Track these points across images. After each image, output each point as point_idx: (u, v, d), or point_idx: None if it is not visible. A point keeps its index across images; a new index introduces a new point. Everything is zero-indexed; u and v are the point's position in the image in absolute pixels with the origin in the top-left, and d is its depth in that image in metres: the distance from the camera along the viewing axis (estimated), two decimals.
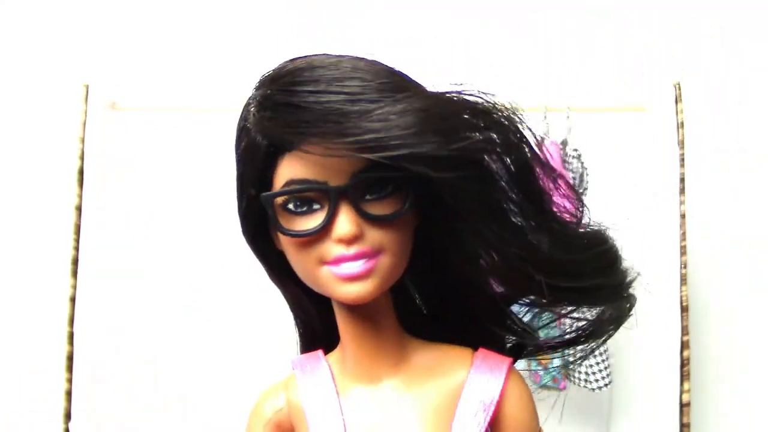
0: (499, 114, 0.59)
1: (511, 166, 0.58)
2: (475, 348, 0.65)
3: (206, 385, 1.71)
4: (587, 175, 1.57)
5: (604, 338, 0.69)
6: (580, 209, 0.64)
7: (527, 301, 0.68)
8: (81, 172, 1.59)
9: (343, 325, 0.64)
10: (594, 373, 1.57)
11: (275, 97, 0.59)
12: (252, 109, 0.62)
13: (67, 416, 1.54)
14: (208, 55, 1.79)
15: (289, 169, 0.57)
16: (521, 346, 0.70)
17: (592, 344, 0.70)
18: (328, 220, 0.56)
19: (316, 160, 0.55)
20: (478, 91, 0.59)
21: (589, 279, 0.64)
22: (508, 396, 0.62)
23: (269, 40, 1.78)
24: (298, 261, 0.60)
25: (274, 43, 1.77)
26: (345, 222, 0.55)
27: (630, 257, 0.67)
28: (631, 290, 0.66)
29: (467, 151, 0.54)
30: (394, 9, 1.79)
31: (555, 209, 0.63)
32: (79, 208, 1.58)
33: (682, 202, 1.53)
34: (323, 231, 0.56)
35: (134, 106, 1.67)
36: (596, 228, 0.66)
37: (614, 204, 1.66)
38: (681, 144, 1.54)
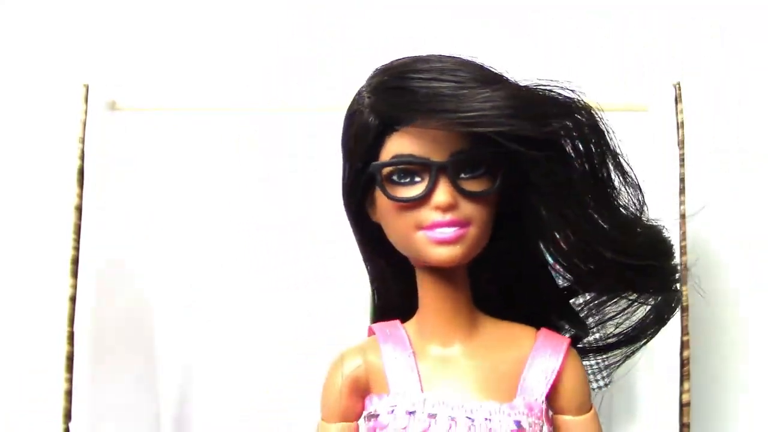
0: (579, 108, 0.70)
1: (589, 155, 0.68)
2: (537, 328, 0.75)
3: (206, 385, 1.71)
4: None
5: (645, 340, 0.81)
6: (642, 202, 0.75)
7: (589, 286, 0.79)
8: (81, 172, 1.59)
9: (424, 292, 0.74)
10: (594, 373, 1.57)
11: (388, 83, 0.73)
12: (365, 94, 0.73)
13: (67, 416, 1.54)
14: (208, 55, 1.79)
15: (396, 145, 0.66)
16: (575, 339, 0.82)
17: (633, 347, 0.82)
18: (429, 189, 0.65)
19: (420, 139, 0.63)
20: (564, 87, 0.71)
21: (648, 260, 0.75)
22: (566, 369, 0.71)
23: (269, 40, 1.78)
24: (397, 226, 0.73)
25: (274, 43, 1.78)
26: (443, 192, 0.64)
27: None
28: (677, 286, 0.78)
29: (554, 134, 0.63)
30: (394, 9, 1.79)
31: (621, 200, 0.73)
32: (79, 208, 1.58)
33: (682, 202, 1.53)
34: (423, 200, 0.65)
35: (134, 106, 1.67)
36: (655, 221, 0.76)
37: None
38: (681, 144, 1.54)
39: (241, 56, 1.76)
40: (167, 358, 1.72)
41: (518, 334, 0.74)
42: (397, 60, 0.72)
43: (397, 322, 0.78)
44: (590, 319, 0.81)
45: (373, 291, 0.84)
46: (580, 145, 0.68)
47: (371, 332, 0.77)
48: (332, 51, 1.76)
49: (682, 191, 1.56)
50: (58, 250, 1.68)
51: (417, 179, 0.65)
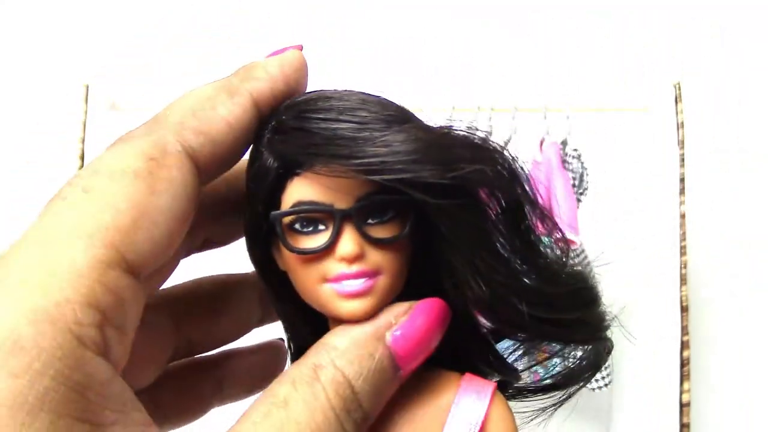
0: (492, 150, 0.65)
1: (502, 201, 0.65)
2: (461, 372, 0.71)
3: None
4: (587, 175, 1.57)
5: (582, 383, 0.74)
6: (566, 247, 0.69)
7: (511, 334, 0.73)
8: None
9: None
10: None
11: (288, 123, 0.64)
12: (266, 134, 0.66)
13: None
14: (208, 55, 1.79)
15: (298, 191, 0.62)
16: (503, 384, 0.75)
17: (571, 388, 0.75)
18: (333, 239, 0.61)
19: (323, 184, 0.60)
20: (472, 128, 0.65)
21: (570, 312, 0.69)
22: (492, 417, 0.67)
23: (269, 40, 1.78)
24: (301, 278, 0.65)
25: (274, 43, 1.77)
26: (348, 242, 0.57)
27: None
28: (606, 334, 0.71)
29: (463, 180, 0.60)
30: (394, 9, 1.79)
31: (542, 246, 0.69)
32: None
33: (682, 202, 1.53)
34: (327, 250, 0.61)
35: (134, 106, 1.67)
36: (580, 268, 0.71)
37: (614, 204, 1.66)
38: (681, 144, 1.54)
39: (242, 57, 1.76)
40: None
41: (441, 381, 0.70)
42: (302, 95, 0.69)
43: None
44: (520, 360, 0.76)
45: (287, 340, 0.77)
46: (493, 191, 0.65)
47: None
48: (332, 51, 1.76)
49: (682, 191, 1.57)
50: None
51: (321, 227, 0.58)
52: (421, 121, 0.64)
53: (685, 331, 1.51)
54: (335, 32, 1.77)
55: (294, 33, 1.79)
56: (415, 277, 0.66)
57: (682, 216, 1.53)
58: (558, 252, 0.66)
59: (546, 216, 0.64)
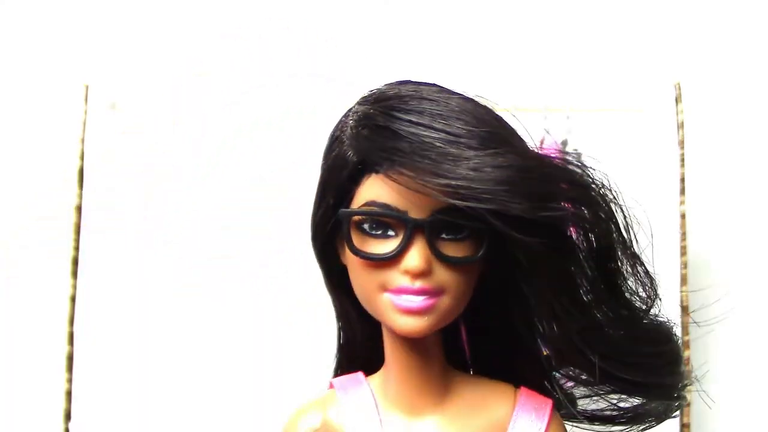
0: (596, 191, 0.57)
1: (594, 244, 0.58)
2: (516, 385, 0.65)
3: (206, 385, 1.71)
4: None
5: (643, 427, 0.68)
6: (652, 299, 0.62)
7: (573, 374, 0.67)
8: (81, 172, 1.59)
9: (392, 352, 0.64)
10: None
11: (376, 118, 0.57)
12: (350, 122, 0.60)
13: (67, 416, 1.54)
14: (208, 55, 1.78)
15: (373, 190, 0.57)
16: (558, 402, 0.69)
17: (631, 428, 0.69)
18: (400, 249, 0.56)
19: (400, 188, 0.55)
20: (582, 163, 0.60)
21: (645, 375, 0.63)
22: None
23: (269, 41, 1.77)
24: (361, 282, 0.60)
25: (274, 44, 1.77)
26: (416, 256, 0.55)
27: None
28: (683, 393, 0.65)
29: (555, 219, 0.54)
30: (394, 9, 1.78)
31: (627, 294, 0.62)
32: (79, 208, 1.58)
33: (682, 202, 1.53)
34: (393, 259, 0.56)
35: (134, 106, 1.67)
36: (664, 322, 0.64)
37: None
38: (681, 144, 1.54)
39: (241, 57, 1.76)
40: (167, 357, 1.72)
41: (496, 394, 0.64)
42: (393, 86, 0.62)
43: (360, 375, 0.67)
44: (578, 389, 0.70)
45: (338, 328, 0.71)
46: (587, 233, 0.58)
47: (332, 386, 0.68)
48: (333, 51, 1.76)
49: (682, 191, 1.56)
50: (58, 250, 1.68)
51: (390, 233, 0.56)
52: (520, 141, 0.59)
53: (685, 331, 1.51)
54: (335, 34, 1.77)
55: (294, 34, 1.78)
56: (478, 297, 0.63)
57: (682, 216, 1.53)
58: (643, 303, 0.60)
59: (638, 261, 0.58)
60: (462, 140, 0.53)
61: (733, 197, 1.73)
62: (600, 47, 1.76)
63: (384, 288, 0.58)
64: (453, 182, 0.51)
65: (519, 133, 0.60)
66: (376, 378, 0.66)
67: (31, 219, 1.77)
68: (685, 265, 1.51)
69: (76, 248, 1.56)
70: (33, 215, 1.77)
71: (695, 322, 1.50)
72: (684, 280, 1.50)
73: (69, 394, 1.54)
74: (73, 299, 1.54)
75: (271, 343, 1.68)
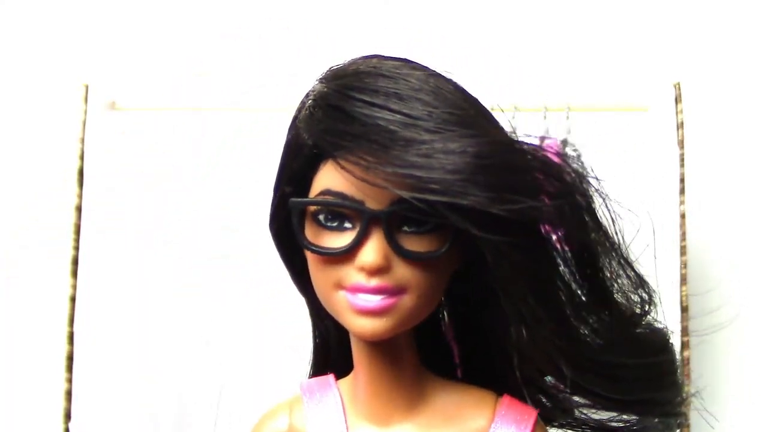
0: (577, 186, 0.50)
1: (573, 245, 0.51)
2: (499, 393, 0.59)
3: (206, 385, 1.71)
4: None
5: None
6: (647, 306, 0.55)
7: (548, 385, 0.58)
8: (81, 172, 1.59)
9: (358, 355, 0.58)
10: None
11: (330, 97, 0.51)
12: (308, 103, 0.54)
13: (67, 416, 1.54)
14: (208, 55, 1.78)
15: (329, 178, 0.51)
16: (549, 411, 0.61)
17: None
18: (355, 243, 0.50)
19: (359, 176, 0.49)
20: (566, 154, 0.51)
21: (636, 393, 0.56)
22: None
23: (269, 40, 1.78)
24: (316, 278, 0.54)
25: (273, 43, 1.77)
26: (371, 250, 0.49)
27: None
28: (681, 409, 0.58)
29: (521, 215, 0.46)
30: (393, 9, 1.78)
31: (615, 300, 0.54)
32: (79, 208, 1.58)
33: (682, 202, 1.53)
34: (347, 254, 0.50)
35: (134, 106, 1.67)
36: (659, 329, 0.57)
37: (613, 203, 1.66)
38: (681, 144, 1.54)
39: (241, 57, 1.76)
40: (167, 357, 1.72)
41: (474, 403, 0.58)
42: (354, 62, 0.56)
43: (331, 379, 0.61)
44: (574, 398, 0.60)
45: (312, 329, 0.65)
46: (559, 232, 0.51)
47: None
48: (333, 51, 1.76)
49: (682, 191, 1.56)
50: (58, 250, 1.68)
51: (347, 225, 0.50)
52: (490, 123, 0.52)
53: (685, 331, 1.51)
54: (334, 33, 1.77)
55: (293, 33, 1.78)
56: (452, 295, 0.56)
57: (682, 216, 1.52)
58: (635, 309, 0.52)
59: (628, 266, 0.51)
60: (420, 122, 0.47)
61: (733, 197, 1.73)
62: (599, 47, 1.76)
63: (340, 285, 0.52)
64: (400, 170, 0.45)
65: (493, 116, 0.53)
66: (346, 381, 0.61)
67: (31, 219, 1.77)
68: (685, 265, 1.51)
69: (76, 248, 1.56)
70: (33, 215, 1.77)
71: (695, 333, 1.50)
72: (684, 280, 1.50)
73: (69, 394, 1.54)
74: (73, 299, 1.54)
75: (271, 343, 1.68)
